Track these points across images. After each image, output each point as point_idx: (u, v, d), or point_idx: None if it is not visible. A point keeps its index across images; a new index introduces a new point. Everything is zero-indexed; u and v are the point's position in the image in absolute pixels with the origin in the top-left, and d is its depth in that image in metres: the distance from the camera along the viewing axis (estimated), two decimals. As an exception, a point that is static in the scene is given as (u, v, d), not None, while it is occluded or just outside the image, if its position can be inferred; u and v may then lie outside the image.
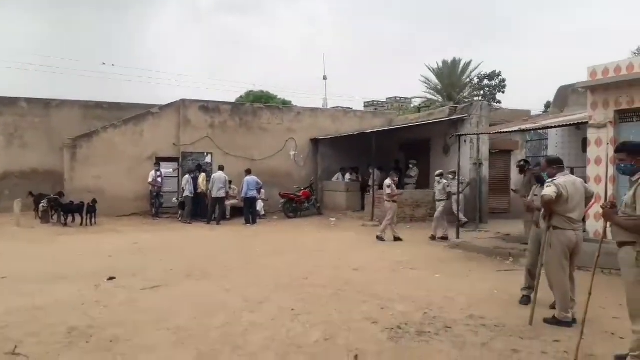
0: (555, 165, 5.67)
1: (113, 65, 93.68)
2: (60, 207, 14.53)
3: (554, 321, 5.29)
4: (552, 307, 5.55)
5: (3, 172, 17.42)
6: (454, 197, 13.52)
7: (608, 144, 8.34)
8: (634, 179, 4.15)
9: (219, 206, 15.55)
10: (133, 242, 11.31)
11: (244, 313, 5.78)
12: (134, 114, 17.38)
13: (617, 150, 4.36)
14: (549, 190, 5.25)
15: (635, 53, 27.71)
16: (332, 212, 17.60)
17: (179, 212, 16.26)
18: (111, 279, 7.56)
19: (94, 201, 14.57)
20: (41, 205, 14.83)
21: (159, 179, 16.23)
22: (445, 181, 12.51)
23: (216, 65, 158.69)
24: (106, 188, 16.14)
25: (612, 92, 8.52)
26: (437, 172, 12.91)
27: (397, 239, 11.65)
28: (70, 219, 14.44)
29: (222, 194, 15.43)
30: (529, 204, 6.33)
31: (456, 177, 13.01)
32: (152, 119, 17.16)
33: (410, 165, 17.00)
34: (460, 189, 13.32)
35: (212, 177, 15.66)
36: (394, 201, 11.92)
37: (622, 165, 4.24)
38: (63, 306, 6.01)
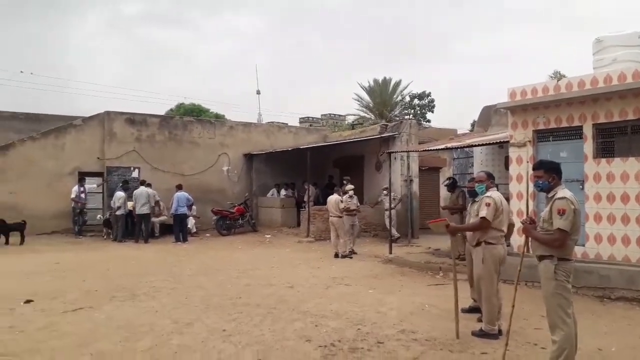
0: (492, 179, 5.99)
1: (32, 74, 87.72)
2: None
3: (481, 333, 5.46)
4: (480, 320, 5.73)
5: None
6: (386, 213, 13.82)
7: (528, 162, 8.76)
8: (549, 195, 4.39)
9: (144, 223, 14.89)
10: (54, 262, 10.59)
11: (173, 335, 5.54)
12: (53, 126, 16.46)
13: (534, 168, 4.56)
14: (488, 214, 5.49)
15: (551, 76, 29.69)
16: (267, 228, 17.42)
17: (104, 230, 15.53)
18: (28, 301, 7.03)
19: (1, 221, 13.74)
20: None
21: (83, 195, 15.38)
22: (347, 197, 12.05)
23: (144, 78, 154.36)
24: (23, 205, 15.05)
25: (530, 113, 8.99)
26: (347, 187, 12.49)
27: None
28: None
29: (145, 210, 14.77)
30: (451, 229, 5.93)
31: (389, 193, 13.31)
32: (75, 131, 16.28)
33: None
34: (393, 205, 13.63)
35: (134, 193, 14.94)
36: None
37: (540, 183, 4.46)
38: (-31, 335, 5.49)
